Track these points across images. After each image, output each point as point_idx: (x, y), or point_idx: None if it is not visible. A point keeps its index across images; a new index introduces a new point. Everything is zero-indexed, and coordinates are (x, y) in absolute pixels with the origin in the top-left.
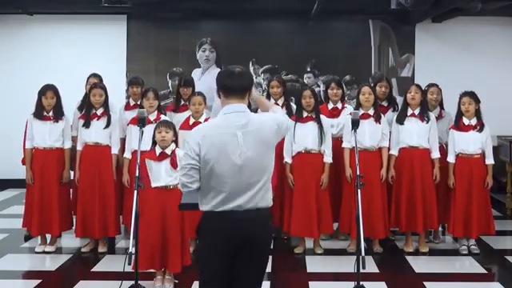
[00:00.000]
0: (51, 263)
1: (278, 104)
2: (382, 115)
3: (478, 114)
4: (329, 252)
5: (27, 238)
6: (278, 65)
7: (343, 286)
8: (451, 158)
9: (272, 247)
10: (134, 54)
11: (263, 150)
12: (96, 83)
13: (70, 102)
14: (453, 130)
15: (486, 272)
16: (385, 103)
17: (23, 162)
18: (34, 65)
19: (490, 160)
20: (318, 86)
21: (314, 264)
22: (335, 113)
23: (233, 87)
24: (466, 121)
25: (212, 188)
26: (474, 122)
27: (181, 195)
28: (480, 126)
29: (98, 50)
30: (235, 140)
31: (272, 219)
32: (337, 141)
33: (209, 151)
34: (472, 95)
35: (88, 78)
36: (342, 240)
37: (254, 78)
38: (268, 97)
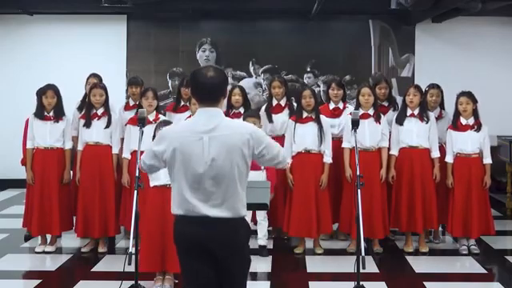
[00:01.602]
0: (51, 263)
1: (280, 105)
2: (382, 115)
3: (475, 113)
4: (329, 252)
5: (27, 238)
6: (277, 65)
7: (343, 286)
8: (449, 158)
9: (272, 247)
10: (134, 53)
11: (231, 157)
12: (96, 83)
13: (70, 102)
14: (450, 130)
15: (486, 272)
16: (385, 103)
17: (22, 163)
18: (34, 65)
19: (487, 159)
20: (318, 86)
21: (313, 264)
22: (337, 113)
23: (205, 97)
24: (463, 121)
25: (178, 192)
26: (471, 121)
27: None
28: (477, 126)
29: (97, 50)
30: (200, 145)
31: (247, 227)
32: (338, 141)
33: (173, 156)
34: (469, 95)
35: (88, 78)
36: (342, 240)
37: (254, 77)
38: (270, 97)
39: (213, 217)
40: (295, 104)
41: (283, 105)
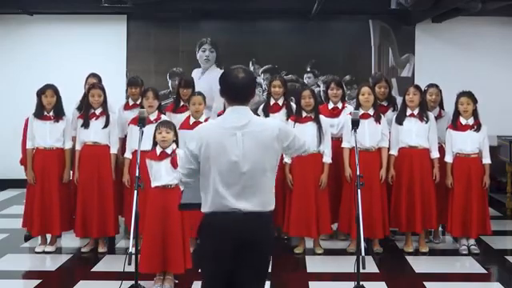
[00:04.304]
0: (51, 263)
1: (278, 104)
2: (382, 115)
3: (475, 113)
4: (329, 252)
5: (27, 238)
6: (277, 65)
7: (343, 286)
8: (449, 158)
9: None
10: (134, 53)
11: (263, 152)
12: (95, 83)
13: (70, 102)
14: (450, 129)
15: (486, 272)
16: (384, 103)
17: (21, 163)
18: (34, 65)
19: (487, 159)
20: (318, 86)
21: (313, 264)
22: (335, 113)
23: (236, 97)
24: (463, 121)
25: (210, 188)
26: (471, 121)
27: (181, 195)
28: (477, 126)
29: (97, 50)
30: (234, 140)
31: (274, 221)
32: (337, 141)
33: (207, 151)
34: (470, 95)
35: (87, 78)
36: (342, 240)
37: None
38: (268, 96)
39: (245, 211)
40: (293, 104)
41: (281, 104)
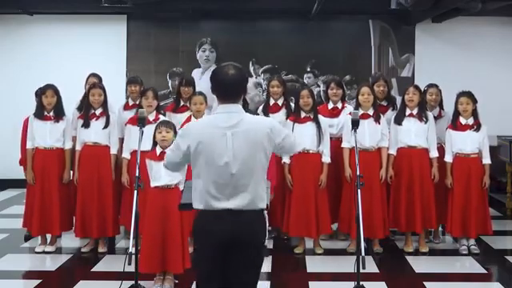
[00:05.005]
0: (51, 263)
1: (277, 104)
2: (382, 115)
3: (474, 113)
4: (329, 252)
5: (27, 238)
6: (277, 65)
7: (343, 286)
8: (449, 158)
9: (272, 247)
10: (134, 53)
11: (253, 151)
12: (95, 83)
13: (70, 102)
14: (450, 129)
15: (486, 272)
16: (384, 103)
17: (21, 163)
18: (34, 65)
19: (486, 159)
20: (318, 86)
21: (313, 264)
22: (335, 113)
23: (227, 94)
24: (463, 120)
25: (201, 187)
26: (470, 121)
27: (180, 195)
28: (477, 126)
29: (97, 50)
30: (224, 140)
31: (266, 220)
32: (337, 141)
33: (197, 150)
34: (470, 95)
35: (87, 78)
36: (342, 240)
37: (254, 77)
38: (268, 96)
39: (235, 209)
40: (293, 104)
41: (280, 104)
